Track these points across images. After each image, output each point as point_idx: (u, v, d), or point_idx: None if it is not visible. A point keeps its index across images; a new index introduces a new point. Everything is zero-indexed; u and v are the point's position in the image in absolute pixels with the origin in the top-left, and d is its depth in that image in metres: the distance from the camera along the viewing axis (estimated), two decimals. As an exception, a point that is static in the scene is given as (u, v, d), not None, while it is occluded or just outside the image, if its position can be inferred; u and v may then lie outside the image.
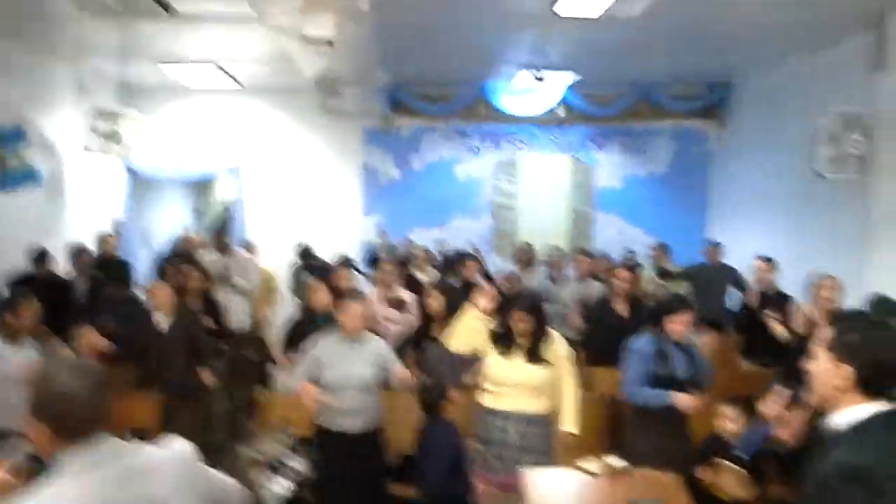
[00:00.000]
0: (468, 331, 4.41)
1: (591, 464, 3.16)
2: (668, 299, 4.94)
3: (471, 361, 4.51)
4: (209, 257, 7.68)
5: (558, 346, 4.43)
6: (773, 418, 2.21)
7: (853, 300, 5.39)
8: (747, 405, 4.55)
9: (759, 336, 6.01)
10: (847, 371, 1.96)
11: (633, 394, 4.54)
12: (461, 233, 10.01)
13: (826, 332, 2.06)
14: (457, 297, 5.55)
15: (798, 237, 7.66)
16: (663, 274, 7.92)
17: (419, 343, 5.32)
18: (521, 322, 4.33)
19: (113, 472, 1.83)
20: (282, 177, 10.12)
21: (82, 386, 1.84)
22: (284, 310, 8.17)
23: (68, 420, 1.82)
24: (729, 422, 4.44)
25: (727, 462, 4.24)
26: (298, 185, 10.10)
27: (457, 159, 10.42)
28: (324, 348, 4.52)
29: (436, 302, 5.30)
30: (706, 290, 7.31)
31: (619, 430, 5.34)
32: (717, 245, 8.02)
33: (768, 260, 6.47)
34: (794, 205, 7.83)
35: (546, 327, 4.44)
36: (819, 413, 2.13)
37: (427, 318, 5.40)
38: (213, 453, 5.39)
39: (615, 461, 3.15)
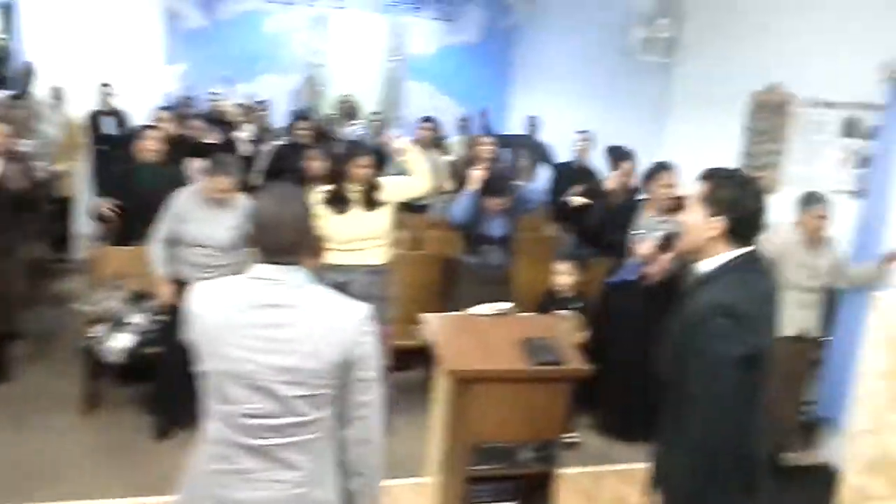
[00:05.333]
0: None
1: (482, 308, 3.41)
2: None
3: None
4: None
5: (387, 187, 4.61)
6: (646, 258, 2.52)
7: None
8: (579, 261, 5.10)
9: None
10: (719, 223, 2.22)
11: (453, 213, 5.03)
12: (270, 90, 9.63)
13: (700, 187, 2.30)
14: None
15: (604, 112, 8.25)
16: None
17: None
18: (364, 168, 4.47)
19: None
20: (69, 15, 8.99)
21: None
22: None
23: None
24: (564, 276, 4.94)
25: (564, 311, 4.77)
26: (90, 26, 9.04)
27: (267, 11, 9.91)
28: (185, 204, 4.40)
29: (319, 164, 5.27)
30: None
31: (448, 285, 5.74)
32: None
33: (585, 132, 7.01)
34: (602, 81, 8.39)
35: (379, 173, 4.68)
36: (687, 257, 2.43)
37: (305, 179, 5.37)
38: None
39: (503, 306, 3.42)
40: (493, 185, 4.92)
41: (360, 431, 1.98)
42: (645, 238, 2.45)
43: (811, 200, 4.57)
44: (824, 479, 2.31)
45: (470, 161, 6.32)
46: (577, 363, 3.05)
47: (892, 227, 4.67)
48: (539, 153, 7.88)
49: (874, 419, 1.74)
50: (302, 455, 1.94)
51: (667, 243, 2.48)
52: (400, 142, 4.78)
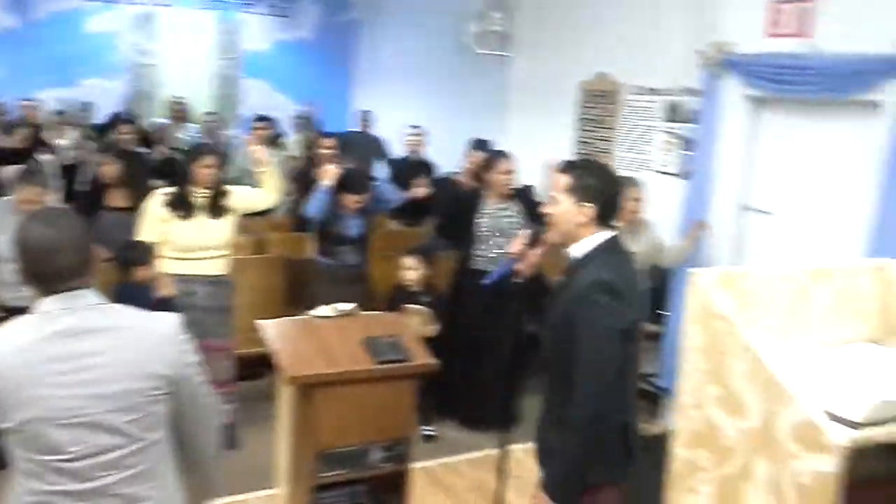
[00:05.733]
0: (156, 221, 4.24)
1: (322, 310, 3.31)
2: None
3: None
4: None
5: (235, 194, 4.44)
6: (516, 255, 2.58)
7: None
8: (427, 255, 5.08)
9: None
10: (589, 209, 2.33)
11: (308, 210, 4.82)
12: (95, 93, 9.01)
13: (562, 179, 2.40)
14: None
15: (446, 106, 8.28)
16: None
17: (92, 211, 4.91)
18: (209, 168, 4.28)
19: None
20: None
21: None
22: None
23: None
24: (411, 271, 4.90)
25: (413, 306, 4.74)
26: None
27: (87, 11, 9.26)
28: None
29: (111, 168, 4.92)
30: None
31: (295, 288, 5.59)
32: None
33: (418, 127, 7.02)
34: (443, 75, 8.41)
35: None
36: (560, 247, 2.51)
37: (101, 186, 5.00)
38: None
39: (344, 306, 3.33)
40: (352, 182, 4.78)
41: (199, 416, 1.92)
42: (513, 237, 2.56)
43: (624, 185, 4.75)
44: (663, 448, 2.42)
45: (313, 160, 6.16)
46: (422, 358, 3.01)
47: (714, 205, 4.95)
48: (374, 149, 7.80)
49: (696, 393, 1.81)
50: (146, 483, 1.81)
51: (535, 239, 2.57)
52: (262, 152, 4.56)
